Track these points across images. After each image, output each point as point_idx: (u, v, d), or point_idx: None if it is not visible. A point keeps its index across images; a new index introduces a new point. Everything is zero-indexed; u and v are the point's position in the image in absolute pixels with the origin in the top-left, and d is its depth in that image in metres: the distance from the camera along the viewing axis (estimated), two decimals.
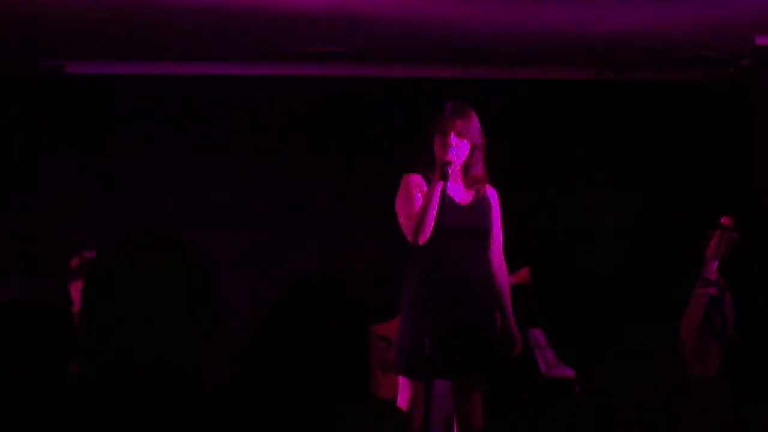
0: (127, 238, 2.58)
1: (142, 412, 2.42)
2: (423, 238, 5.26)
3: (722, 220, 5.90)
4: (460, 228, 5.38)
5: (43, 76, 8.50)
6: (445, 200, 5.27)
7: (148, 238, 2.59)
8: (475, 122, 5.42)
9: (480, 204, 5.50)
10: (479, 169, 5.48)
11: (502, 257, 5.58)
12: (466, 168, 5.45)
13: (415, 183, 5.43)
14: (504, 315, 5.56)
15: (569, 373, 6.89)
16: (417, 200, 5.37)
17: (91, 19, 7.08)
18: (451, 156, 5.30)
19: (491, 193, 5.56)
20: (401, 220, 5.44)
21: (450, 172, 5.27)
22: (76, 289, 6.96)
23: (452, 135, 5.31)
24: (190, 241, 2.58)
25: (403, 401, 5.44)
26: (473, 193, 5.49)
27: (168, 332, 2.50)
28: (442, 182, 5.23)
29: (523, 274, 7.12)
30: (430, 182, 5.35)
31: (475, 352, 5.44)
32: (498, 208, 5.57)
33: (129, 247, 2.57)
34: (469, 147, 5.37)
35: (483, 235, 5.49)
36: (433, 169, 5.33)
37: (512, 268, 5.82)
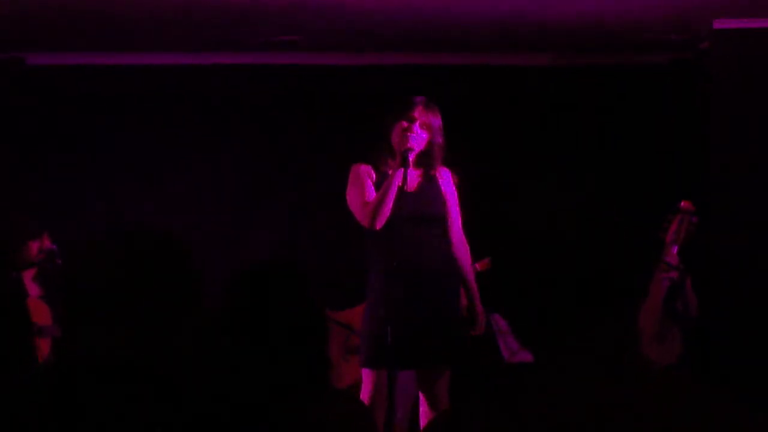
0: (102, 233, 2.61)
1: (106, 404, 2.42)
2: (380, 223, 5.34)
3: (682, 204, 5.88)
4: (411, 216, 5.42)
5: (3, 69, 8.41)
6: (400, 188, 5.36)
7: (121, 233, 2.62)
8: (439, 120, 5.50)
9: (428, 189, 5.54)
10: (435, 167, 5.56)
11: (462, 237, 5.61)
12: (420, 160, 5.49)
13: (365, 172, 5.52)
14: (469, 293, 5.59)
15: (528, 358, 6.90)
16: (368, 188, 5.46)
17: (51, 8, 7.00)
18: (412, 143, 5.35)
19: (444, 176, 5.60)
20: (355, 208, 5.51)
21: (410, 159, 5.35)
22: (28, 278, 6.87)
23: (417, 124, 5.41)
24: (166, 233, 2.61)
25: (365, 392, 5.44)
26: (421, 179, 5.52)
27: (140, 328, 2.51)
28: (402, 168, 5.34)
29: (486, 263, 7.12)
30: (379, 172, 5.48)
31: (436, 340, 5.45)
32: (452, 189, 5.60)
33: (101, 243, 2.59)
34: (427, 140, 5.41)
35: (434, 220, 5.52)
36: (385, 160, 5.47)
37: (474, 256, 5.81)
